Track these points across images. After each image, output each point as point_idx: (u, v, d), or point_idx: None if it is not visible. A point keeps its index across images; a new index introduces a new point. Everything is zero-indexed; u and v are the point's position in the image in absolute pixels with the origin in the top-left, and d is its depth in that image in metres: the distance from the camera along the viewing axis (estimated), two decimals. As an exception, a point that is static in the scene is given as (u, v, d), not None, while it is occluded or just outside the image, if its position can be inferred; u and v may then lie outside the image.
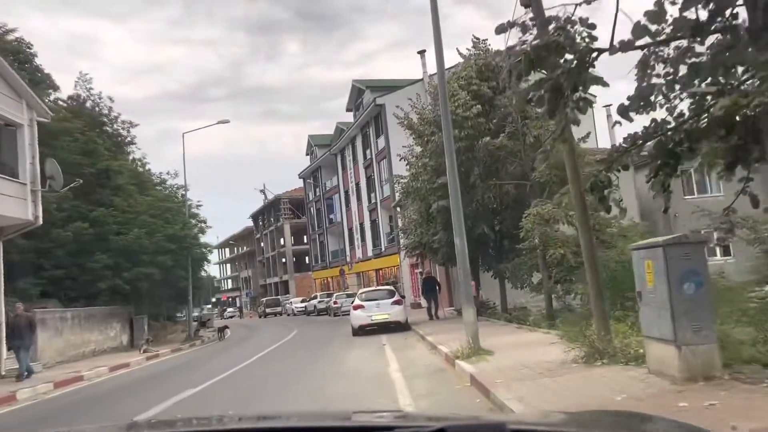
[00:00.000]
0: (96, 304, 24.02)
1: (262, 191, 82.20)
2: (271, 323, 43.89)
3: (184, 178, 32.14)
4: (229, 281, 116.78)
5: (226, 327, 31.28)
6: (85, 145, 26.15)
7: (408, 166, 21.60)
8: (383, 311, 20.48)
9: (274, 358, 16.90)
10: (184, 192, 30.85)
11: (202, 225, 32.42)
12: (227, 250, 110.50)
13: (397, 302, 20.76)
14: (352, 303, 21.73)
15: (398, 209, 36.11)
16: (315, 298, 48.78)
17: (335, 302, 38.66)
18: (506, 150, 16.42)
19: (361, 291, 22.88)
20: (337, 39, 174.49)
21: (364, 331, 20.74)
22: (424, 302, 26.15)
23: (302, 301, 53.53)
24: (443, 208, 18.18)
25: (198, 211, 33.67)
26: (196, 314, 42.18)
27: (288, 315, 54.24)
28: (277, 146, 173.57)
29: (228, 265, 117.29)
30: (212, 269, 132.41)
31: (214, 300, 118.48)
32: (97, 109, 32.68)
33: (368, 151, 45.26)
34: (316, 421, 2.05)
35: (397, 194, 23.40)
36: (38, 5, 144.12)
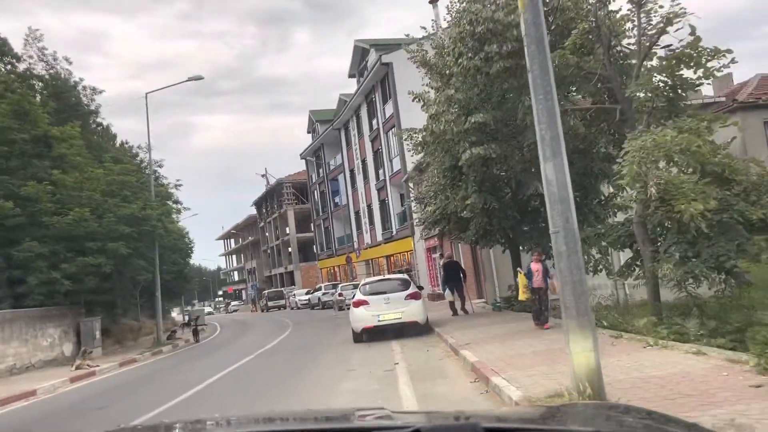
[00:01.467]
0: (25, 305, 18.71)
1: (264, 176, 76.97)
2: (268, 319, 38.62)
3: (148, 147, 26.67)
4: (236, 273, 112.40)
5: (198, 327, 25.90)
6: (18, 106, 20.79)
7: (424, 107, 15.80)
8: (395, 308, 14.97)
9: (236, 383, 11.46)
10: (148, 164, 25.37)
11: (173, 206, 27.04)
12: (232, 240, 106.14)
13: (413, 296, 15.22)
14: (339, 303, 16.23)
15: (410, 185, 30.49)
16: (319, 289, 43.38)
17: (340, 294, 33.19)
18: (574, 66, 10.71)
19: (364, 281, 17.22)
20: (347, 28, 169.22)
21: (369, 335, 15.29)
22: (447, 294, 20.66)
23: (307, 293, 48.27)
24: (478, 160, 12.60)
25: (176, 191, 28.33)
26: (173, 313, 36.95)
27: (292, 309, 49.06)
28: (289, 137, 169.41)
29: (234, 257, 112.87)
30: (219, 261, 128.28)
31: (220, 293, 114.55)
32: (51, 71, 27.37)
33: (374, 121, 39.64)
34: (300, 423, 2.00)
35: (409, 153, 17.64)
36: (47, 2, 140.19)
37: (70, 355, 19.83)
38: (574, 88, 11.92)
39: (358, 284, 17.16)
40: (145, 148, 35.43)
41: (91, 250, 19.94)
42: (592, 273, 11.50)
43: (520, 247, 16.92)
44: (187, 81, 25.09)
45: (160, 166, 42.01)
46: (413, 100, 15.81)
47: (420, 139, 15.84)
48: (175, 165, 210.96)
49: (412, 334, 15.17)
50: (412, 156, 18.04)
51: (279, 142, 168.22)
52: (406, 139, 17.49)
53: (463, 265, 22.18)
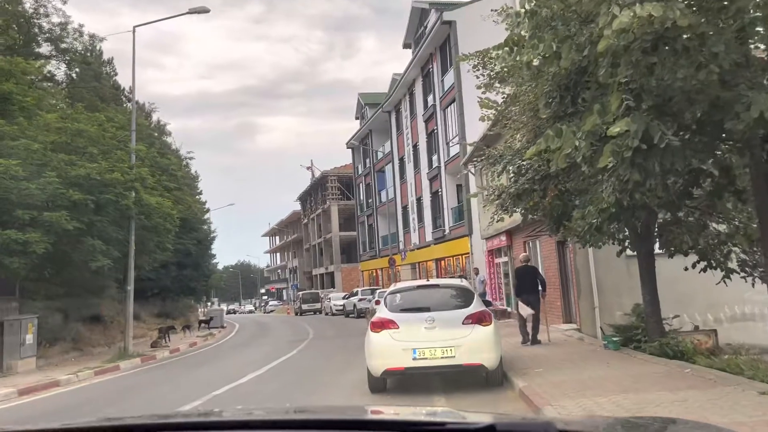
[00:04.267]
0: None
1: (309, 168, 71.63)
2: (292, 325, 32.62)
3: (132, 89, 20.84)
4: (279, 272, 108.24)
5: (163, 336, 20.27)
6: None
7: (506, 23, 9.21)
8: (444, 338, 8.35)
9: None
10: (136, 112, 19.51)
11: (174, 174, 21.20)
12: (277, 237, 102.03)
13: (478, 318, 8.52)
14: (373, 314, 9.53)
15: (471, 169, 23.75)
16: (355, 294, 37.02)
17: (377, 302, 26.62)
18: None
19: (393, 288, 9.82)
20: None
21: (396, 381, 8.79)
22: (517, 309, 13.95)
23: (343, 298, 42.05)
24: (644, 39, 5.87)
25: (190, 159, 22.66)
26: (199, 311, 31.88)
27: (326, 314, 43.01)
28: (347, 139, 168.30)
29: (278, 254, 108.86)
30: (262, 259, 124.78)
31: (263, 291, 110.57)
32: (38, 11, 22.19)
33: (430, 97, 33.11)
34: (359, 415, 1.94)
35: (481, 93, 10.71)
36: (132, 2, 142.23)
37: (-18, 367, 14.09)
38: None
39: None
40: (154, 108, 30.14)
41: (20, 221, 14.17)
42: None
43: (658, 249, 10.17)
44: (188, 13, 19.22)
45: (192, 158, 36.99)
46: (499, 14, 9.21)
47: (506, 52, 9.17)
48: (237, 163, 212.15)
49: (472, 385, 8.58)
50: (484, 117, 11.26)
51: (337, 144, 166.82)
52: (476, 67, 10.94)
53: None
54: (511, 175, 10.07)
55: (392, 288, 9.71)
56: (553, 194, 9.68)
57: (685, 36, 5.76)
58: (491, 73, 11.11)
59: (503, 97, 11.13)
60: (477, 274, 24.29)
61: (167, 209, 18.68)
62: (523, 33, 7.52)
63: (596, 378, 7.87)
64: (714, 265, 10.03)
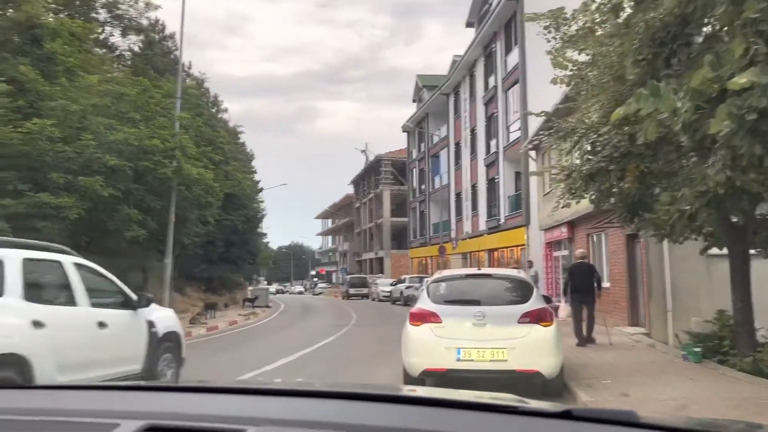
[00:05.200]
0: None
1: (363, 152, 70.74)
2: (336, 308, 31.83)
3: (180, 48, 20.01)
4: (330, 254, 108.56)
5: (204, 312, 19.64)
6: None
7: None
8: (495, 338, 7.07)
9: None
10: (182, 74, 18.74)
11: (221, 147, 20.44)
12: (329, 220, 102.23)
13: (537, 316, 7.18)
14: (413, 303, 8.23)
15: (532, 155, 22.13)
16: (402, 281, 35.89)
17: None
18: None
19: (438, 275, 8.36)
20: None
21: (436, 383, 7.58)
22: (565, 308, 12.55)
23: (391, 285, 41.04)
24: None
25: (240, 133, 21.93)
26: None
27: (373, 299, 42.13)
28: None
29: (330, 237, 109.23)
30: (314, 241, 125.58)
31: (313, 273, 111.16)
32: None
33: (491, 79, 31.41)
34: (431, 394, 1.84)
35: (558, 49, 9.13)
36: None
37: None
38: None
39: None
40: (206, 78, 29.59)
41: (55, 185, 13.60)
42: None
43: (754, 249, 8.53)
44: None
45: (242, 131, 36.57)
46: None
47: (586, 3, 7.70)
48: (296, 146, 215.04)
49: (525, 394, 7.28)
50: (556, 80, 9.64)
51: (395, 131, 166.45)
52: (548, 28, 9.49)
53: (599, 273, 13.96)
54: (586, 150, 8.58)
55: (436, 276, 8.40)
56: (633, 176, 8.16)
57: None
58: (564, 36, 9.63)
59: (576, 66, 9.61)
60: (531, 267, 22.38)
61: (209, 181, 17.89)
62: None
63: (681, 399, 6.43)
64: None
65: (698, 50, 5.97)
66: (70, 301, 6.33)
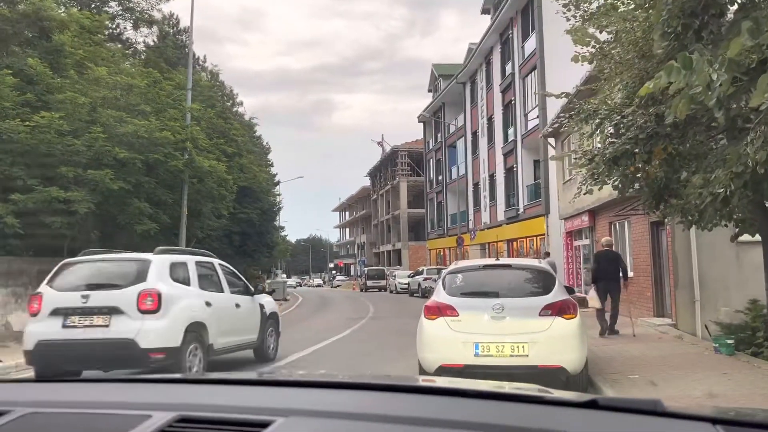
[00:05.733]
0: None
1: (380, 143, 70.37)
2: (354, 301, 31.58)
3: (190, 37, 19.75)
4: (348, 247, 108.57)
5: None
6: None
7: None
8: (515, 331, 6.69)
9: None
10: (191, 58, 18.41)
11: (234, 139, 20.17)
12: (347, 213, 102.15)
13: (559, 308, 6.79)
14: (430, 296, 7.83)
15: (551, 142, 21.60)
16: (420, 273, 35.52)
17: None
18: None
19: (454, 266, 7.90)
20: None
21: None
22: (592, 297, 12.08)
23: (408, 276, 40.72)
24: None
25: (255, 125, 21.65)
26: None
27: (391, 292, 41.86)
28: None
29: (347, 230, 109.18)
30: (332, 234, 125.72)
31: (331, 266, 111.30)
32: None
33: (508, 66, 30.79)
34: (457, 385, 1.75)
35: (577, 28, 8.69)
36: None
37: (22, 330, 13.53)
38: None
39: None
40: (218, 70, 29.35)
41: (65, 179, 13.42)
42: None
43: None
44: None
45: (256, 123, 36.25)
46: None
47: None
48: (314, 139, 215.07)
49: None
50: (577, 57, 9.06)
51: (412, 122, 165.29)
52: (567, 6, 8.99)
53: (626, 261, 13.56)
54: (609, 133, 8.09)
55: (453, 266, 8.01)
56: (660, 158, 7.67)
57: None
58: (585, 15, 9.13)
59: (596, 46, 9.10)
60: (547, 257, 21.14)
61: (222, 173, 17.64)
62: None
63: (717, 396, 5.99)
64: None
65: (733, 20, 5.50)
66: (220, 289, 9.03)
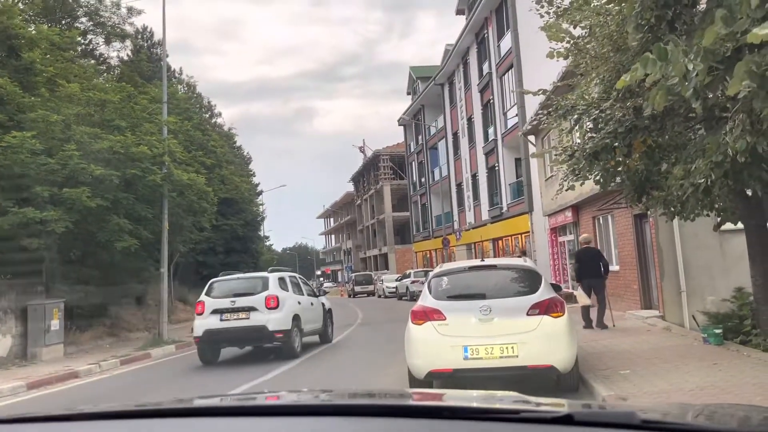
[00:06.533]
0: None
1: (361, 148, 70.26)
2: (342, 307, 31.28)
3: (163, 49, 19.53)
4: (334, 253, 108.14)
5: None
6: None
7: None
8: (503, 332, 6.62)
9: None
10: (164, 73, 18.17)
11: (213, 150, 19.97)
12: (332, 219, 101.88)
13: (547, 307, 6.73)
14: (415, 301, 7.73)
15: (531, 139, 21.64)
16: (407, 276, 35.42)
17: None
18: None
19: (439, 269, 7.85)
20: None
21: (439, 384, 7.08)
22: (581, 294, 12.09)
23: (396, 280, 40.58)
24: None
25: (234, 136, 21.39)
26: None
27: (379, 296, 41.67)
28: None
29: (333, 236, 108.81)
30: (318, 241, 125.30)
31: (318, 273, 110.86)
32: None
33: (485, 66, 30.86)
34: (422, 401, 1.85)
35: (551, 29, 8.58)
36: None
37: (6, 354, 13.23)
38: None
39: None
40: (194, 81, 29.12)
41: (40, 198, 13.14)
42: None
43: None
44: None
45: (236, 134, 35.96)
46: None
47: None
48: (296, 147, 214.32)
49: (538, 390, 6.77)
50: (553, 53, 9.03)
51: (394, 125, 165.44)
52: (540, 2, 8.96)
53: (606, 257, 13.66)
54: (588, 128, 8.05)
55: (438, 269, 7.91)
56: (640, 151, 7.65)
57: None
58: (558, 10, 9.12)
59: (570, 41, 9.09)
60: (523, 255, 19.24)
61: (202, 186, 17.42)
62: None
63: (709, 387, 5.94)
64: None
65: (706, 9, 5.48)
66: (301, 293, 13.19)
